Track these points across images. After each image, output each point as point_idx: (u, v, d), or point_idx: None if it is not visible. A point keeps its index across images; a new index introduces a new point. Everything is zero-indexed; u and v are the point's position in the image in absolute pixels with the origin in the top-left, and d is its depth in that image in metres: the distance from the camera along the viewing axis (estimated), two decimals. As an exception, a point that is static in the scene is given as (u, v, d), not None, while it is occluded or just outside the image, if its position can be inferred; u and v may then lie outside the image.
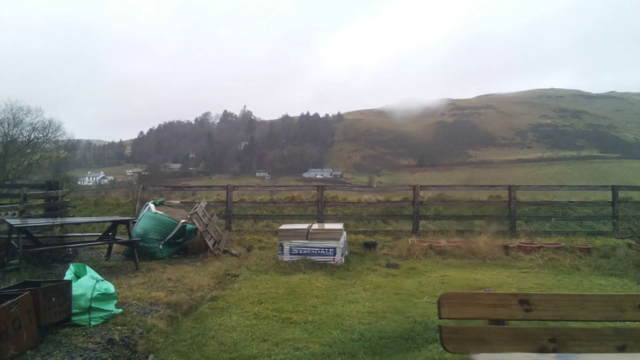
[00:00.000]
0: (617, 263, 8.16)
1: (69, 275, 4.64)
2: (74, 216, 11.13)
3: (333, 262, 7.96)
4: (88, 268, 4.77)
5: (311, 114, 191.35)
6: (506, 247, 8.97)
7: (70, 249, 8.15)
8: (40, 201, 10.71)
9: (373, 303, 5.64)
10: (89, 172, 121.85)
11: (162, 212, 8.83)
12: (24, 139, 33.43)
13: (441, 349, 2.70)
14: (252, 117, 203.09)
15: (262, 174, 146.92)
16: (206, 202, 9.71)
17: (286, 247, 8.20)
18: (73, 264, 4.87)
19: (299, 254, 8.13)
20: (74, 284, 4.41)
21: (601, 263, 8.20)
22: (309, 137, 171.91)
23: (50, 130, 35.04)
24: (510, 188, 12.05)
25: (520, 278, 7.13)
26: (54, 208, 10.32)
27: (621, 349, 2.57)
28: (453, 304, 2.61)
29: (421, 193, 12.36)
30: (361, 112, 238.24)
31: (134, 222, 8.70)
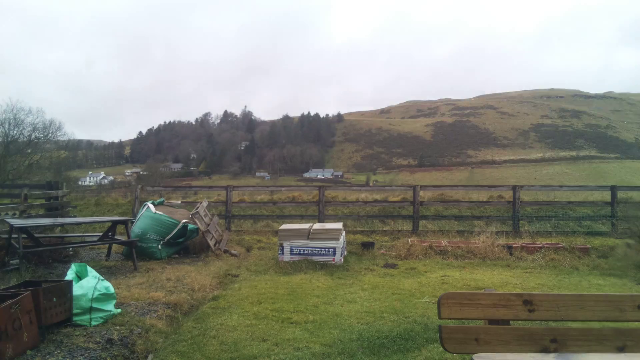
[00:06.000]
0: (615, 263, 8.15)
1: (70, 275, 4.64)
2: (74, 216, 11.14)
3: (333, 262, 7.97)
4: (89, 268, 4.78)
5: (312, 114, 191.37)
6: (510, 247, 8.97)
7: (70, 249, 8.15)
8: (41, 201, 10.73)
9: (371, 303, 5.64)
10: (90, 172, 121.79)
11: (161, 212, 8.83)
12: (24, 139, 33.45)
13: (441, 349, 2.70)
14: (253, 117, 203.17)
15: (262, 174, 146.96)
16: (207, 202, 9.71)
17: (286, 247, 8.19)
18: (75, 263, 4.87)
19: (299, 254, 8.12)
20: (75, 284, 4.41)
21: (599, 263, 8.21)
22: (309, 137, 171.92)
23: (51, 131, 35.06)
24: (514, 188, 12.05)
25: (523, 278, 7.13)
26: (54, 208, 10.34)
27: (621, 349, 2.57)
28: (453, 304, 2.61)
29: (421, 193, 12.35)
30: (361, 113, 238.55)
31: (132, 222, 8.70)
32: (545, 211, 13.22)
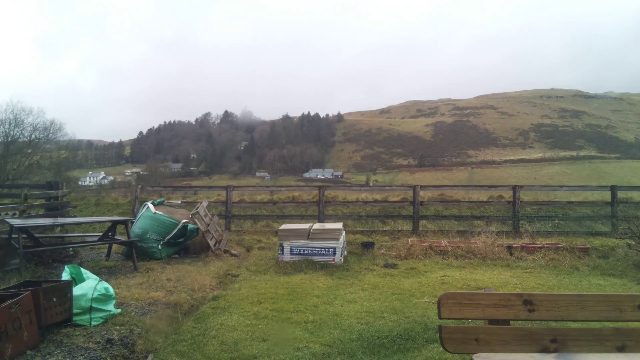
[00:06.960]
0: (615, 263, 8.14)
1: (64, 277, 4.64)
2: (74, 216, 11.13)
3: (333, 262, 7.97)
4: (83, 270, 4.78)
5: (312, 114, 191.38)
6: (510, 247, 8.97)
7: (70, 249, 8.15)
8: (41, 201, 10.72)
9: (371, 303, 5.64)
10: (90, 172, 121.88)
11: (161, 212, 8.82)
12: (25, 139, 33.47)
13: (441, 349, 2.70)
14: (253, 117, 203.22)
15: (262, 174, 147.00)
16: (207, 202, 9.71)
17: (286, 247, 8.19)
18: (68, 265, 4.87)
19: (299, 254, 8.12)
20: (75, 284, 4.42)
21: (600, 263, 8.19)
22: (309, 137, 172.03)
23: (52, 131, 35.10)
24: (514, 188, 12.06)
25: (523, 278, 7.13)
26: (54, 208, 10.33)
27: (621, 349, 2.57)
28: (453, 304, 2.61)
29: (421, 193, 12.35)
30: (361, 113, 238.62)
31: (133, 222, 8.70)
32: (545, 211, 13.22)
